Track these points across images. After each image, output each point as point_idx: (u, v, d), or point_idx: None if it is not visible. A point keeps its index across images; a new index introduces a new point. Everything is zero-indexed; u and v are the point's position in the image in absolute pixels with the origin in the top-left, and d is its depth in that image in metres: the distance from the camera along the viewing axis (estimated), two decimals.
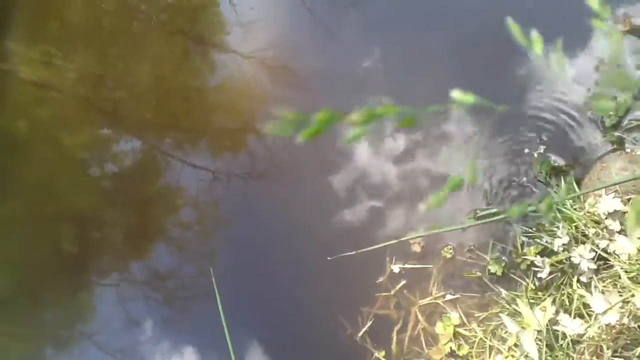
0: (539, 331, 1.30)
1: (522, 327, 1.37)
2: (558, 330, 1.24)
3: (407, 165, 1.79)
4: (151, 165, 2.22)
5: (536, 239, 1.44)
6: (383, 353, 1.65)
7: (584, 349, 1.21)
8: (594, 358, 1.20)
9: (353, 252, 1.39)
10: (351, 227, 1.81)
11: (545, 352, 1.28)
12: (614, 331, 1.16)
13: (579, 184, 1.41)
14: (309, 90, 2.08)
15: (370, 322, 1.69)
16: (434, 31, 1.91)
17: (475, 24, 1.78)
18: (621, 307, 1.12)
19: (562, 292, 1.33)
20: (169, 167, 2.18)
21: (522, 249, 1.47)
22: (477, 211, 1.59)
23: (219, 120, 2.24)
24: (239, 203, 2.05)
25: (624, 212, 1.25)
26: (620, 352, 1.14)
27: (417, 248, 1.66)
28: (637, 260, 1.16)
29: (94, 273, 2.13)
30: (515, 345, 1.40)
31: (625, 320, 1.11)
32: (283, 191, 2.00)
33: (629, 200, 1.27)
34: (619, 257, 1.21)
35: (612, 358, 1.15)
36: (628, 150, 1.35)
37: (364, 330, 1.69)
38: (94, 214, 2.20)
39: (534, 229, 1.46)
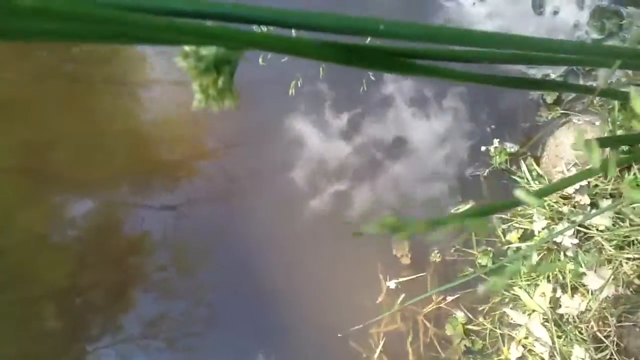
0: (543, 314, 1.36)
1: (528, 314, 1.43)
2: (561, 312, 1.30)
3: (358, 144, 1.84)
4: (113, 219, 2.17)
5: (514, 225, 1.50)
6: None
7: (590, 318, 1.27)
8: (601, 325, 1.27)
9: (360, 326, 1.41)
10: (323, 215, 1.84)
11: (555, 330, 1.34)
12: (612, 298, 1.22)
13: (538, 163, 1.47)
14: (245, 96, 2.06)
15: (382, 341, 1.72)
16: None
17: None
18: (614, 278, 1.18)
19: (554, 269, 1.39)
20: (131, 216, 2.14)
21: (504, 236, 1.53)
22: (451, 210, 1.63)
23: (166, 154, 2.20)
24: (211, 229, 2.04)
25: (589, 183, 1.32)
26: (625, 317, 1.20)
27: (406, 260, 1.69)
28: (615, 228, 1.23)
29: (87, 341, 2.09)
30: (520, 328, 1.46)
31: (620, 290, 1.17)
32: (249, 204, 2.00)
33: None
34: (598, 228, 1.27)
35: (618, 324, 1.21)
36: (575, 121, 1.41)
37: (378, 351, 1.72)
38: (71, 283, 2.15)
39: (509, 215, 1.52)
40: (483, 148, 1.54)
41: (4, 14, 0.21)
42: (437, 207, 1.68)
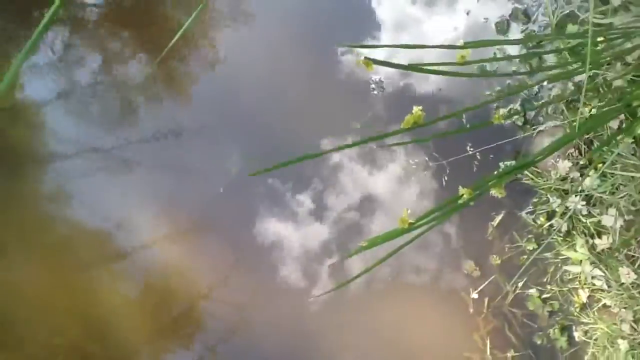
0: (589, 259, 1.92)
1: (578, 264, 1.98)
2: (599, 251, 1.87)
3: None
4: None
5: (538, 212, 2.09)
6: None
7: (618, 246, 1.84)
8: (627, 246, 1.83)
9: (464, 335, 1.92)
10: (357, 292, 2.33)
11: (602, 265, 1.90)
12: (625, 225, 1.80)
13: (534, 165, 2.08)
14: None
15: (488, 340, 2.21)
16: None
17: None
18: (619, 213, 1.77)
19: (578, 228, 1.96)
20: None
21: (535, 222, 2.11)
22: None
23: (168, 311, 2.39)
24: None
25: (571, 165, 1.93)
26: None
27: (476, 273, 2.23)
28: (603, 183, 1.83)
29: None
30: (579, 276, 2.00)
31: (626, 217, 1.76)
32: (264, 325, 2.26)
33: (569, 155, 1.95)
34: (592, 187, 1.87)
35: (637, 240, 1.79)
36: (543, 129, 2.05)
37: (488, 349, 2.20)
38: None
39: (532, 208, 2.11)
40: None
41: None
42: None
